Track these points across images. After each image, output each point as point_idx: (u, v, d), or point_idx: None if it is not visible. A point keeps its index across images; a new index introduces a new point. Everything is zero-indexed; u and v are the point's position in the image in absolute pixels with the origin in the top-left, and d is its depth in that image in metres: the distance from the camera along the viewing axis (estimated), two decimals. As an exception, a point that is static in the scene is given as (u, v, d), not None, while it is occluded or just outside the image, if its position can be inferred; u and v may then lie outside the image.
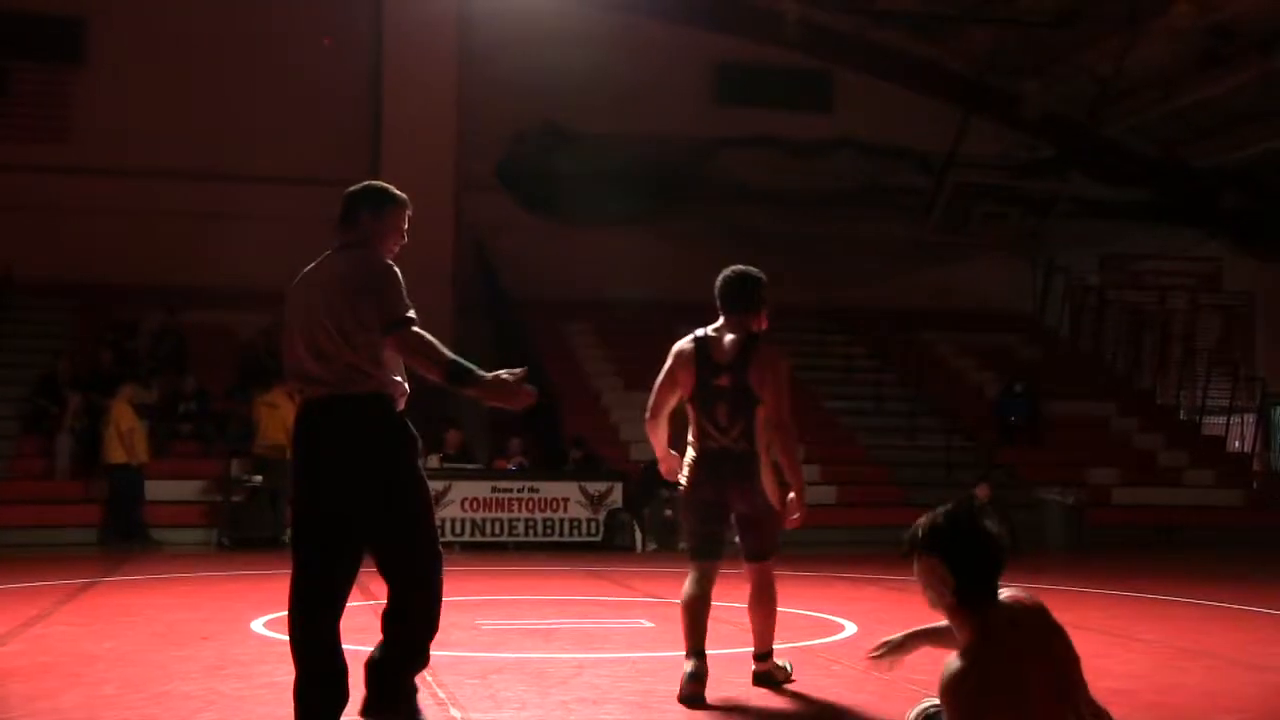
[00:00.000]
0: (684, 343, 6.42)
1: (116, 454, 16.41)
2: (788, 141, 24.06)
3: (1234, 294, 26.56)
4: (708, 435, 6.31)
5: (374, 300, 5.03)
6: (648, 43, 23.30)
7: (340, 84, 22.37)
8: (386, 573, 5.21)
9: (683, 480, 6.44)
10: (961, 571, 3.79)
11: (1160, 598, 11.26)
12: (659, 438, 6.51)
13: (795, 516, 6.48)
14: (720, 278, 6.63)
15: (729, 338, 6.34)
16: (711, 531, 6.42)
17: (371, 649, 5.23)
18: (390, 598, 5.25)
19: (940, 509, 3.94)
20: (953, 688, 3.64)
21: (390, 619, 5.23)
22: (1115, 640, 8.39)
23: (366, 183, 5.50)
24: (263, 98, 21.99)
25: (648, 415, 6.49)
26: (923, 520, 3.93)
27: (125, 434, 16.42)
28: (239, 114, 21.89)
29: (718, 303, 6.53)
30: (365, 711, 5.15)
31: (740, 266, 6.66)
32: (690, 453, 6.40)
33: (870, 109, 24.22)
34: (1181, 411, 23.77)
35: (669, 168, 23.61)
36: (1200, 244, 25.86)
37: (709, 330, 6.44)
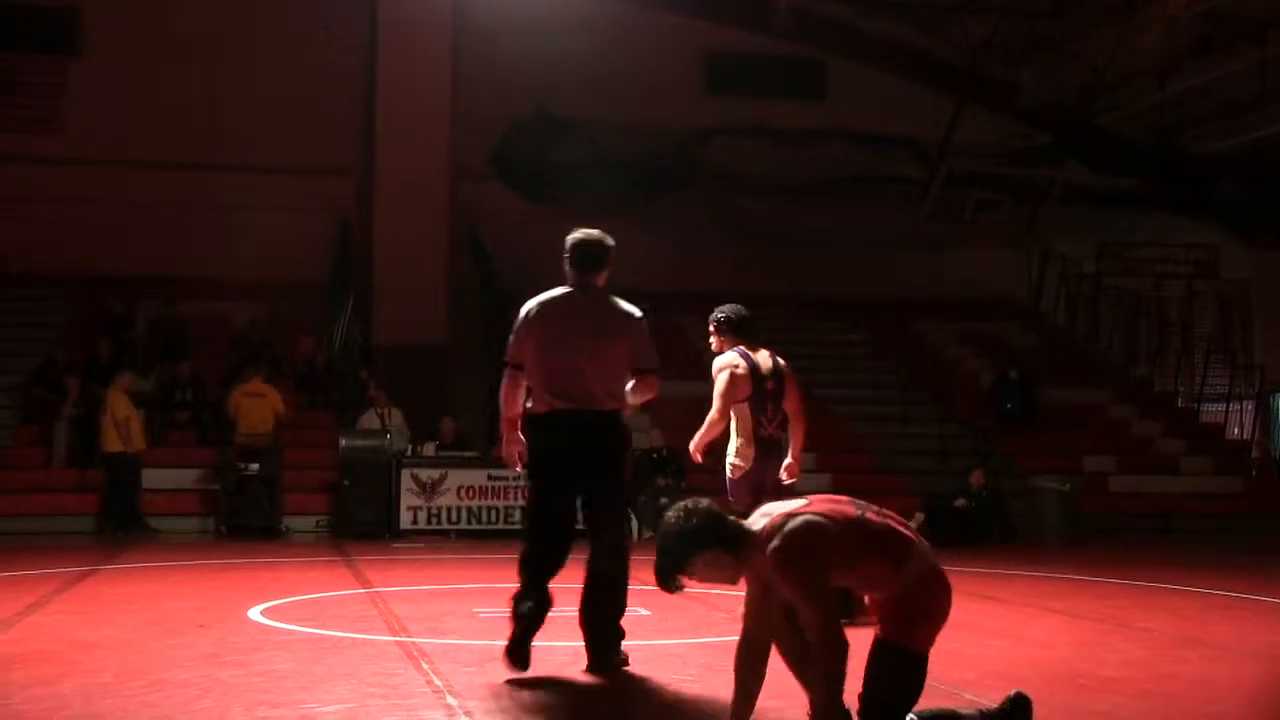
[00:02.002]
0: (740, 362, 8.30)
1: (113, 442, 16.42)
2: (780, 130, 24.01)
3: (1230, 281, 26.56)
4: (761, 426, 8.33)
5: (629, 344, 6.47)
6: (640, 30, 23.24)
7: (335, 73, 22.33)
8: (596, 537, 6.46)
9: (739, 463, 8.28)
10: (726, 543, 4.55)
11: (1157, 586, 11.28)
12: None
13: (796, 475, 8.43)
14: (738, 309, 8.63)
15: (762, 354, 8.44)
16: (761, 503, 6.79)
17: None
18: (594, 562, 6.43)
19: (663, 531, 4.59)
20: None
21: (594, 580, 6.42)
22: (1112, 628, 8.41)
23: (600, 234, 6.72)
24: (258, 87, 21.94)
25: (717, 417, 8.25)
26: (670, 547, 4.57)
27: (122, 422, 16.43)
28: (234, 104, 21.85)
29: (734, 327, 8.54)
30: (594, 666, 6.33)
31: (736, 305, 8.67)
32: (738, 441, 8.28)
33: (864, 97, 24.16)
34: (1179, 399, 23.79)
35: (662, 156, 23.58)
36: (1196, 231, 25.87)
37: (743, 349, 8.41)
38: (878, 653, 4.66)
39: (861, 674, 4.67)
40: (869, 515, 4.71)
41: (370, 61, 22.25)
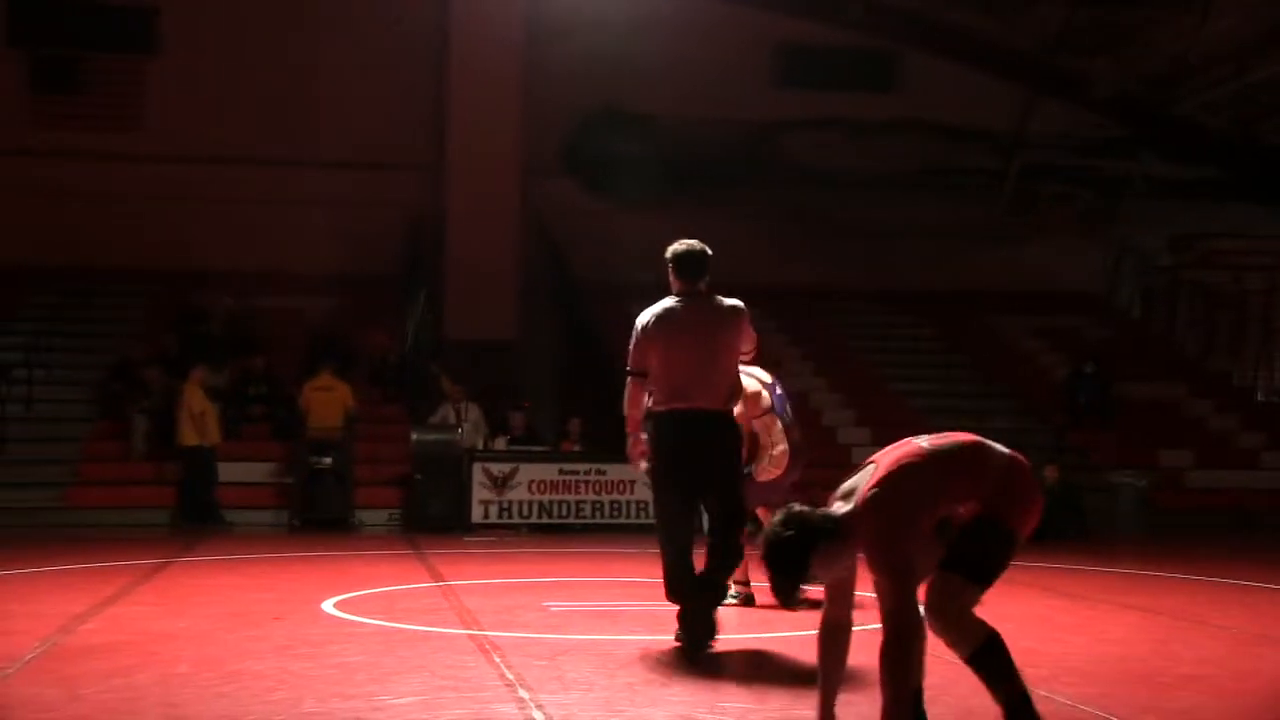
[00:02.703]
0: (767, 380, 8.90)
1: (189, 436, 16.62)
2: (852, 123, 23.87)
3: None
4: (789, 432, 8.89)
5: (736, 333, 7.11)
6: (710, 24, 23.14)
7: (407, 70, 22.48)
8: (717, 514, 7.06)
9: (776, 471, 8.79)
10: (828, 535, 4.58)
11: (1235, 583, 11.10)
12: None
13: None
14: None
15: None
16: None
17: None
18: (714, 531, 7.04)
19: (769, 556, 4.61)
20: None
21: (715, 548, 7.01)
22: (1189, 625, 8.29)
23: (700, 244, 7.19)
24: (333, 84, 22.13)
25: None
26: (782, 566, 4.61)
27: (197, 416, 16.62)
28: (309, 100, 22.04)
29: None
30: (690, 654, 6.76)
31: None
32: (779, 448, 8.76)
33: (936, 89, 23.95)
34: (1258, 393, 23.38)
35: (732, 150, 23.50)
36: (1276, 222, 25.40)
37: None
38: (972, 525, 4.62)
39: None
40: (935, 443, 4.80)
41: (442, 57, 22.37)
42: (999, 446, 4.82)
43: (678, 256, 7.09)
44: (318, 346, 19.56)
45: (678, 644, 6.94)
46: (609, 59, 22.25)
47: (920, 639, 4.62)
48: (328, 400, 17.31)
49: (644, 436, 7.10)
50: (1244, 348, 24.26)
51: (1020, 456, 4.83)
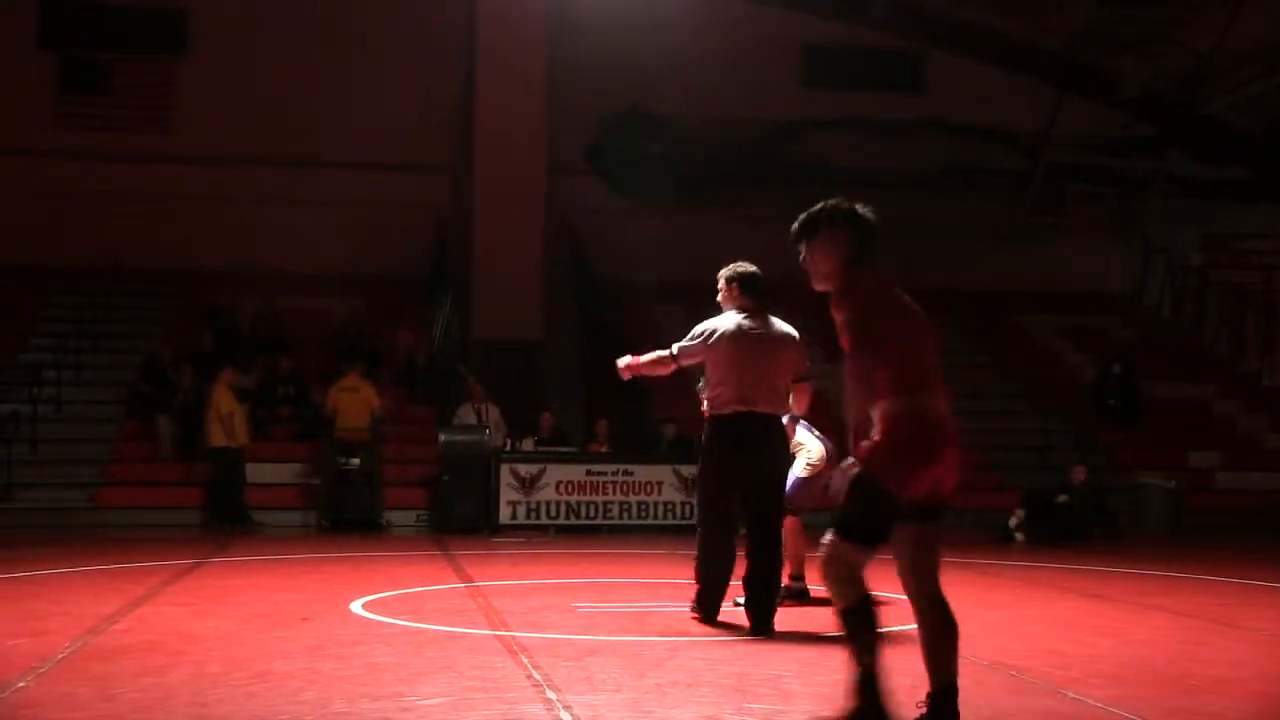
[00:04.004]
0: None
1: (217, 437, 16.68)
2: (877, 122, 23.80)
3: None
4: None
5: (791, 357, 7.97)
6: (736, 24, 23.15)
7: (433, 70, 22.52)
8: (757, 521, 7.90)
9: (820, 465, 9.09)
10: (862, 240, 5.02)
11: (1265, 585, 11.03)
12: None
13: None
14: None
15: None
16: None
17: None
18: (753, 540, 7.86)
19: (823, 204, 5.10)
20: (868, 295, 4.92)
21: (756, 551, 7.82)
22: (1219, 627, 8.25)
23: (755, 268, 8.18)
24: (359, 85, 22.21)
25: None
26: (821, 205, 5.13)
27: (225, 417, 16.69)
28: (336, 102, 22.12)
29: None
30: (756, 628, 7.60)
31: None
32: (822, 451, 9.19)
33: (962, 89, 23.88)
34: (1288, 394, 23.23)
35: (757, 150, 23.46)
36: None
37: None
38: (854, 485, 4.68)
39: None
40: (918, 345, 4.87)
41: (468, 57, 22.42)
42: (936, 403, 4.89)
43: (743, 277, 8.04)
44: (343, 347, 19.63)
45: (693, 616, 7.90)
46: (634, 59, 22.25)
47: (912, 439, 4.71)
48: (353, 401, 17.37)
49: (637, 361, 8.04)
50: (1274, 348, 24.10)
51: (946, 424, 4.88)
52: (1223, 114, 23.89)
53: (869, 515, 4.67)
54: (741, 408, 7.77)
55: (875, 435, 4.69)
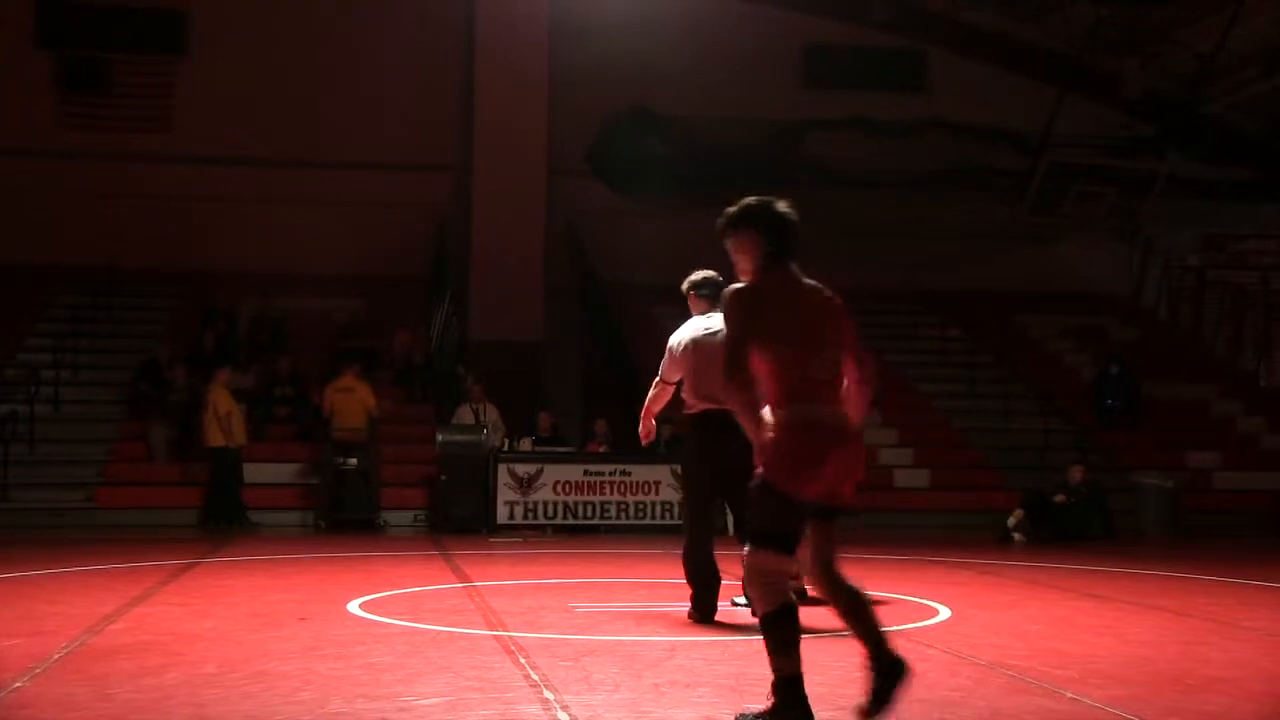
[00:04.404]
0: None
1: (215, 437, 16.68)
2: (879, 123, 23.83)
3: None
4: None
5: None
6: (737, 24, 23.19)
7: (433, 70, 22.54)
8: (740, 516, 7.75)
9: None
10: (773, 237, 5.07)
11: (1264, 584, 11.02)
12: None
13: None
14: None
15: None
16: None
17: None
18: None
19: (746, 201, 5.18)
20: (739, 294, 5.02)
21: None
22: (1218, 627, 8.23)
23: (715, 274, 8.26)
24: (358, 85, 22.24)
25: None
26: (741, 203, 5.19)
27: (223, 418, 16.69)
28: (333, 101, 22.15)
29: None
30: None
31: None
32: None
33: (963, 89, 23.91)
34: (1286, 394, 23.23)
35: (759, 150, 23.47)
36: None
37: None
38: (753, 490, 4.91)
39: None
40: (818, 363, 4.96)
41: (468, 58, 22.42)
42: (825, 414, 4.92)
43: (697, 284, 8.33)
44: (341, 348, 19.63)
45: (690, 616, 7.98)
46: (635, 60, 22.27)
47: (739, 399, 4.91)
48: (349, 401, 17.36)
49: (648, 410, 8.35)
50: (1272, 348, 24.10)
51: (838, 430, 4.92)
52: (1223, 114, 23.91)
53: (777, 521, 4.82)
54: (710, 405, 7.89)
55: (767, 442, 4.88)
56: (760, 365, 4.92)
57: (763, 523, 4.85)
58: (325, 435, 17.27)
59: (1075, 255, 24.62)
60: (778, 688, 4.84)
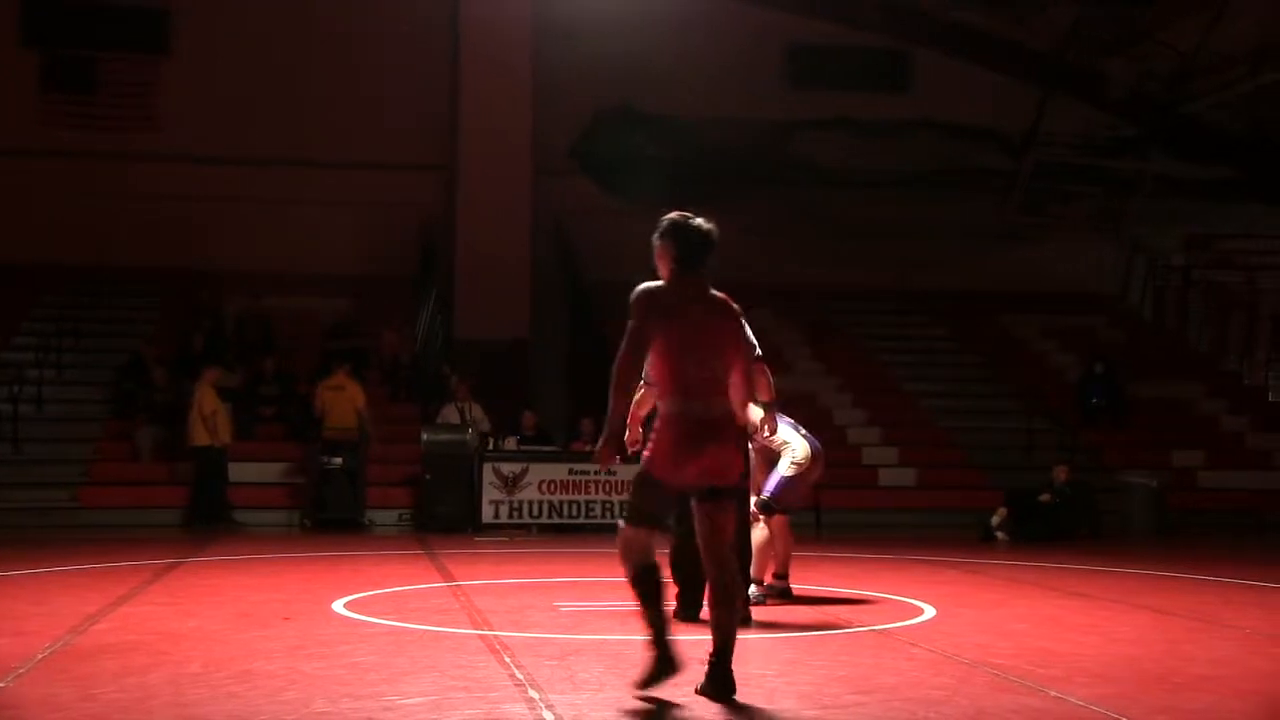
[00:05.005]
0: None
1: (201, 436, 16.63)
2: (864, 123, 23.86)
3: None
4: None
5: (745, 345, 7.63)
6: (723, 24, 23.19)
7: (417, 70, 22.49)
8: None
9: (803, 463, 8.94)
10: (680, 249, 5.61)
11: (1248, 583, 11.06)
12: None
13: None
14: None
15: None
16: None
17: None
18: None
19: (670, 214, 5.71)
20: (641, 294, 5.57)
21: None
22: (1203, 626, 8.26)
23: None
24: (342, 84, 22.18)
25: None
26: (667, 216, 5.74)
27: (209, 416, 16.64)
28: (320, 100, 22.09)
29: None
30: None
31: None
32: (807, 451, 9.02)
33: (949, 89, 23.93)
34: (1270, 393, 23.30)
35: (745, 150, 23.49)
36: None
37: None
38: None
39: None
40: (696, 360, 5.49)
41: (453, 57, 22.38)
42: (690, 406, 5.47)
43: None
44: (331, 347, 19.60)
45: (674, 618, 7.48)
46: (621, 59, 22.26)
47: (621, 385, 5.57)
48: (339, 399, 17.33)
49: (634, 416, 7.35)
50: (1256, 347, 24.18)
51: (716, 425, 5.48)
52: (1208, 114, 23.97)
53: (646, 502, 5.56)
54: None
55: (655, 432, 5.51)
56: (653, 360, 5.54)
57: (634, 502, 5.60)
58: (316, 434, 17.23)
59: (1060, 255, 24.65)
60: (653, 639, 5.51)
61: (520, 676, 6.05)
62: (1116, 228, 24.92)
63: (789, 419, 9.09)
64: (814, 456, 8.94)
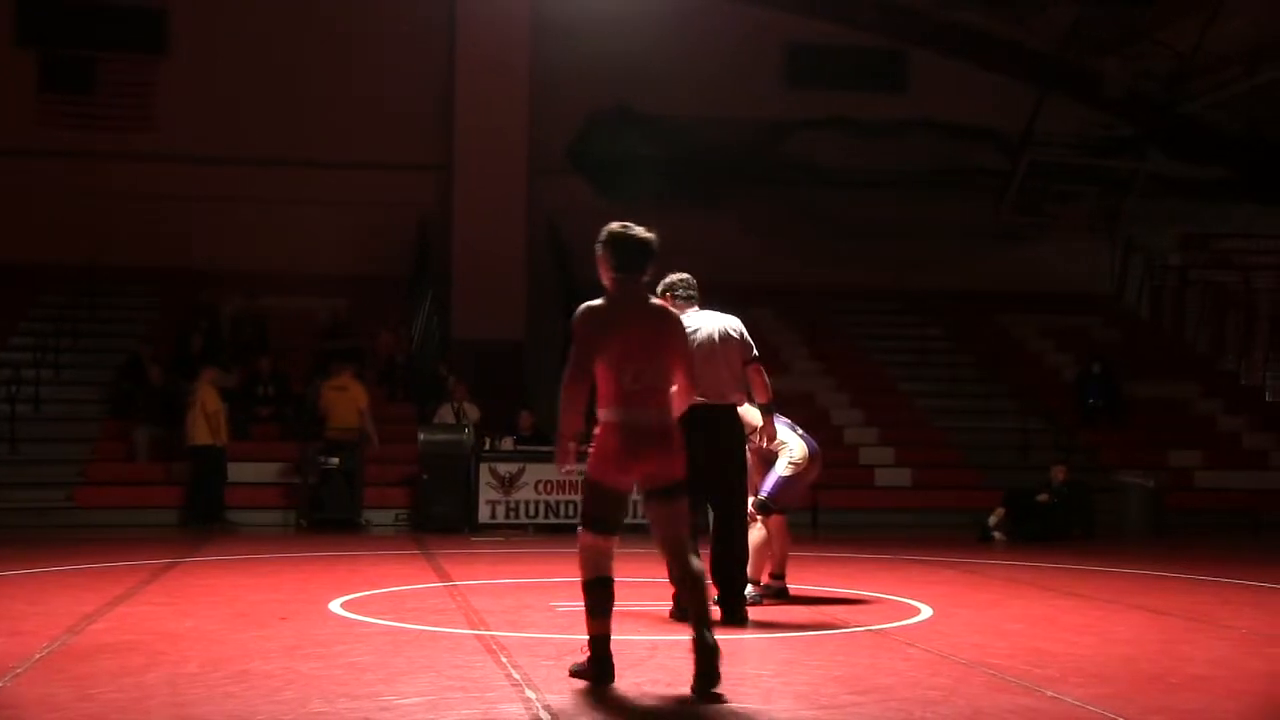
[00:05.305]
0: None
1: (202, 435, 16.59)
2: (861, 122, 23.88)
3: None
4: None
5: (742, 345, 8.35)
6: (720, 23, 23.21)
7: (414, 70, 22.51)
8: (718, 510, 8.13)
9: (800, 463, 9.00)
10: (617, 257, 5.86)
11: (1245, 583, 11.06)
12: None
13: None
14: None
15: None
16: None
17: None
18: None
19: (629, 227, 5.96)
20: (582, 312, 5.82)
21: (721, 542, 8.05)
22: (1199, 626, 8.27)
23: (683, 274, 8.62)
24: (339, 84, 22.20)
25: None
26: (605, 227, 5.97)
27: (212, 415, 16.63)
28: (316, 100, 22.11)
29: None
30: (727, 618, 7.68)
31: None
32: (804, 451, 9.07)
33: (945, 89, 23.96)
34: (1267, 393, 23.33)
35: (741, 150, 23.51)
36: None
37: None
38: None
39: None
40: (633, 374, 5.75)
41: (449, 57, 22.39)
42: (630, 414, 5.73)
43: (673, 285, 8.52)
44: (330, 347, 19.58)
45: (671, 619, 7.80)
46: (618, 58, 22.26)
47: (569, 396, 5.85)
48: (342, 400, 17.30)
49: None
50: (1253, 347, 24.20)
51: (655, 431, 5.74)
52: (1204, 114, 23.99)
53: (596, 507, 5.79)
54: (697, 401, 7.91)
55: (596, 440, 5.78)
56: (597, 372, 5.76)
57: (586, 508, 5.86)
58: (318, 433, 17.21)
59: (1057, 255, 24.67)
60: (591, 643, 5.76)
61: (517, 676, 6.05)
62: (1113, 227, 24.94)
63: (786, 419, 9.11)
64: (811, 457, 8.96)
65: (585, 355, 5.77)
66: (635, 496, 5.98)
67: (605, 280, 5.91)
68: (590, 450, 5.82)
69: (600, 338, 5.75)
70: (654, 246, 5.91)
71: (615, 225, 5.95)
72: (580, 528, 5.88)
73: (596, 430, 5.78)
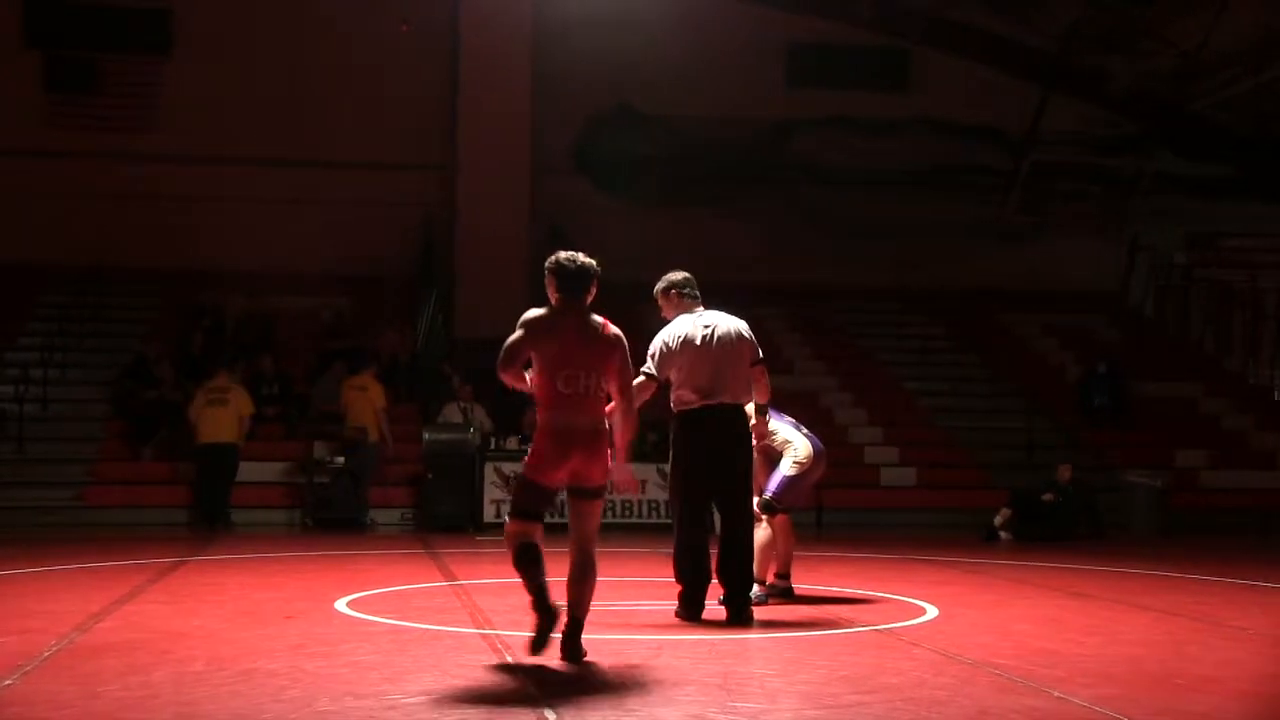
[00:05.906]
0: None
1: (228, 433, 16.49)
2: (864, 121, 23.87)
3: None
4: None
5: (751, 347, 8.33)
6: (722, 23, 23.20)
7: (418, 69, 22.51)
8: (725, 512, 8.16)
9: (804, 462, 9.00)
10: (559, 282, 6.47)
11: (1253, 584, 11.04)
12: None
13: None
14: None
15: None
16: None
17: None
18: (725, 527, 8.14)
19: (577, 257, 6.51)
20: (526, 315, 6.41)
21: (728, 542, 8.07)
22: (1207, 627, 8.25)
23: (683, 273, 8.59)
24: (344, 85, 22.21)
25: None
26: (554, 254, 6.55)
27: (246, 418, 16.62)
28: (321, 100, 22.12)
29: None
30: (733, 618, 7.84)
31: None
32: (807, 449, 9.02)
33: (948, 87, 23.94)
34: (1274, 392, 23.28)
35: (744, 149, 23.50)
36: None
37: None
38: None
39: None
40: (574, 383, 6.32)
41: (453, 57, 22.40)
42: (565, 417, 6.33)
43: (677, 283, 8.47)
44: (328, 346, 19.56)
45: (677, 615, 7.97)
46: (621, 58, 22.27)
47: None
48: (360, 399, 17.26)
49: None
50: (1259, 346, 24.16)
51: (559, 429, 6.30)
52: (1209, 112, 23.96)
53: (526, 500, 6.41)
54: (705, 401, 8.02)
55: (533, 440, 6.36)
56: (533, 375, 6.35)
57: (516, 499, 6.50)
58: (333, 432, 17.19)
59: (1061, 253, 24.64)
60: (536, 602, 6.20)
61: (522, 675, 6.05)
62: (1118, 226, 24.90)
63: (790, 418, 9.11)
64: (816, 456, 8.95)
65: (515, 351, 6.36)
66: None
67: (552, 299, 6.47)
68: (529, 449, 6.43)
69: (537, 338, 6.32)
70: (593, 272, 6.47)
71: (561, 254, 6.54)
72: (508, 517, 6.42)
73: (534, 434, 6.39)
